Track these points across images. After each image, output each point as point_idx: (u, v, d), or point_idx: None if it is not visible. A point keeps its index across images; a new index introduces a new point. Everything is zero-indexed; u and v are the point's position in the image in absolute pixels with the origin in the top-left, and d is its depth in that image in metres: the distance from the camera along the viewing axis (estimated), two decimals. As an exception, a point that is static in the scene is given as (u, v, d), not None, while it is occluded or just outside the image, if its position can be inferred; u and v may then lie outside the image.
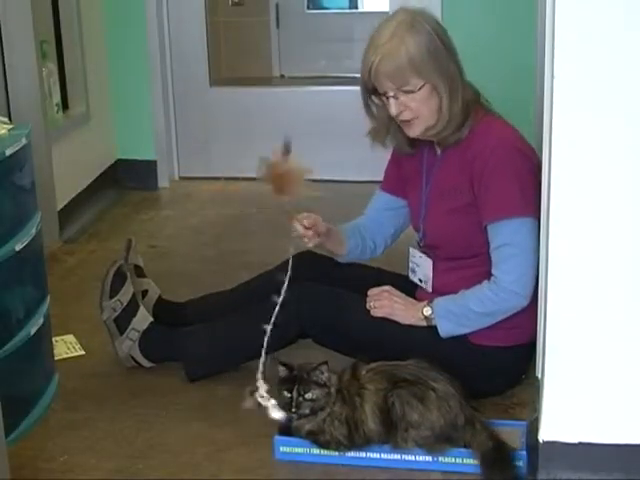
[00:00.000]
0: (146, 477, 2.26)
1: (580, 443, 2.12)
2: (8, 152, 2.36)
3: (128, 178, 4.68)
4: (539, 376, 2.29)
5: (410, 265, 2.63)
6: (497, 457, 2.15)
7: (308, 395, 2.21)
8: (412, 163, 2.57)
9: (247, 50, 5.87)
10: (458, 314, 2.40)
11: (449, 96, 2.32)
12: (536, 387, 2.35)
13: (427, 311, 2.42)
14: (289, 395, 2.21)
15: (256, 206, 4.35)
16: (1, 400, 1.96)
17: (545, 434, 2.13)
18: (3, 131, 2.48)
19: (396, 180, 2.63)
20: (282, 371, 2.25)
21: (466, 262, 2.47)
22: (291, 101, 4.75)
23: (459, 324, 2.40)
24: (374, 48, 2.31)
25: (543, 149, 2.14)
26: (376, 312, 2.48)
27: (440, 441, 2.20)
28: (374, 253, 2.70)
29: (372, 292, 2.52)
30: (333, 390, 2.23)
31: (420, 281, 2.60)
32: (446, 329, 2.41)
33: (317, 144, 4.38)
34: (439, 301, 2.43)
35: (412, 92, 2.31)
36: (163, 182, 4.73)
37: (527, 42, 3.91)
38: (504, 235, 2.34)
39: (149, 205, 4.45)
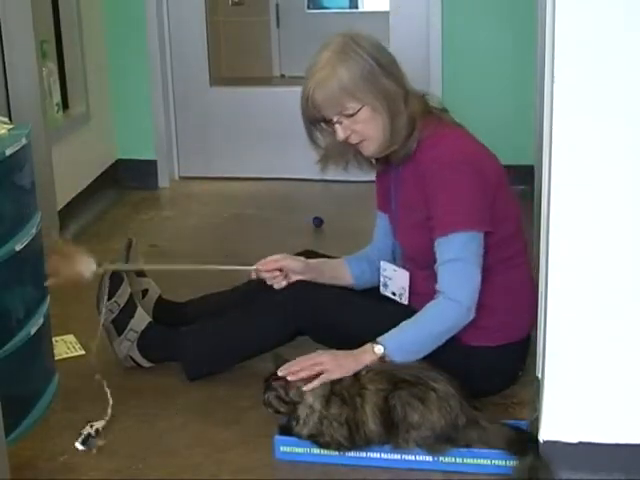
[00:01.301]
0: (146, 477, 2.26)
1: (580, 443, 2.12)
2: (8, 152, 2.36)
3: (128, 178, 4.68)
4: (539, 376, 2.29)
5: (382, 280, 2.61)
6: (521, 442, 2.16)
7: (266, 396, 2.25)
8: (385, 180, 2.59)
9: (247, 50, 5.88)
10: (411, 342, 2.33)
11: (389, 113, 2.34)
12: (536, 387, 2.36)
13: (379, 350, 2.29)
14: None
15: (256, 206, 4.36)
16: (1, 400, 1.96)
17: (545, 434, 2.14)
18: (3, 131, 2.48)
19: (383, 198, 2.64)
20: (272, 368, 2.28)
21: None
22: (291, 101, 4.71)
23: (413, 354, 2.32)
24: (308, 79, 2.38)
25: (543, 152, 2.15)
26: (307, 387, 2.25)
27: (441, 441, 2.20)
28: None
29: (283, 370, 2.27)
30: (309, 398, 2.23)
31: (393, 294, 2.59)
32: (401, 360, 2.31)
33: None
34: (391, 336, 2.33)
35: (352, 115, 2.34)
36: (163, 182, 4.73)
37: (527, 46, 3.92)
38: (452, 250, 2.32)
39: (149, 205, 4.45)
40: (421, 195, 2.39)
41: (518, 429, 2.23)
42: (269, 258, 2.60)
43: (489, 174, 2.37)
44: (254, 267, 2.59)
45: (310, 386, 2.24)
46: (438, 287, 2.34)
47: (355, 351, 2.31)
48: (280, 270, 2.58)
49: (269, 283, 2.57)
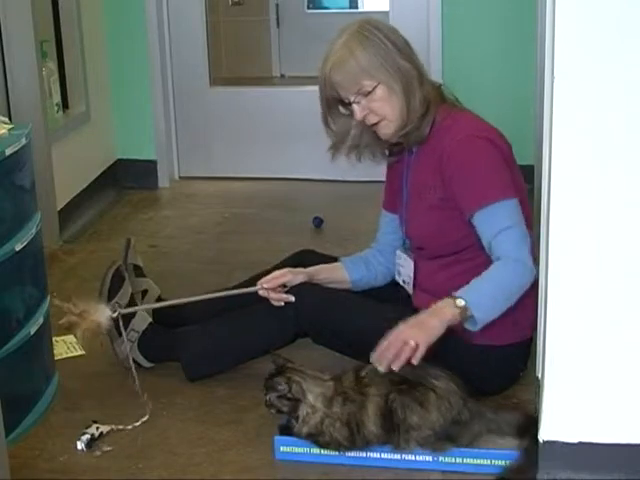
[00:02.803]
0: (146, 477, 2.26)
1: (580, 443, 2.12)
2: (8, 152, 2.36)
3: (128, 178, 4.68)
4: (539, 376, 2.29)
5: (396, 267, 2.65)
6: (531, 426, 2.19)
7: (268, 396, 2.24)
8: (396, 171, 2.61)
9: (247, 50, 5.88)
10: (489, 297, 2.30)
11: (404, 92, 2.39)
12: (536, 387, 2.35)
13: (460, 302, 2.24)
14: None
15: (256, 206, 4.36)
16: (1, 400, 1.96)
17: (545, 434, 2.13)
18: (3, 131, 2.48)
19: (392, 196, 2.65)
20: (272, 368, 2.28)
21: (453, 258, 2.48)
22: (291, 101, 4.76)
23: (493, 310, 2.30)
24: (325, 61, 2.42)
25: (543, 152, 2.14)
26: (415, 357, 2.18)
27: (441, 439, 2.20)
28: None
29: (376, 361, 2.21)
30: (310, 397, 2.22)
31: (404, 282, 2.61)
32: (480, 318, 2.27)
33: (317, 144, 4.38)
34: (467, 291, 2.28)
35: (370, 93, 2.38)
36: (163, 182, 4.73)
37: (527, 46, 3.92)
38: (499, 221, 2.34)
39: (149, 205, 4.45)
40: (437, 176, 2.41)
41: (526, 414, 2.26)
42: (271, 276, 2.60)
43: (504, 149, 2.42)
44: (258, 287, 2.59)
45: (417, 357, 2.16)
46: (497, 255, 2.33)
47: (433, 308, 2.25)
48: (284, 286, 2.58)
49: (275, 305, 2.56)
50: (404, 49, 2.42)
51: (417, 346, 2.17)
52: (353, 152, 2.53)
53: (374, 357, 2.19)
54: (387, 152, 2.57)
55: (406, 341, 2.18)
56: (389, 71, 2.38)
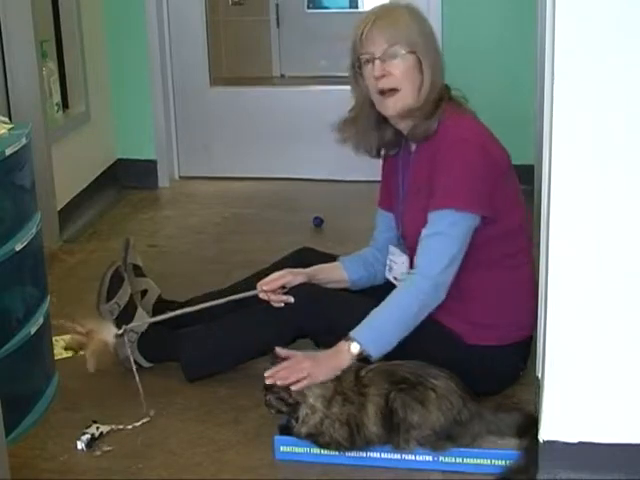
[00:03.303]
0: (146, 477, 2.26)
1: (580, 443, 2.12)
2: (8, 152, 2.36)
3: (128, 178, 4.68)
4: (539, 376, 2.29)
5: (388, 262, 2.63)
6: (531, 426, 2.19)
7: (268, 396, 2.25)
8: (392, 169, 2.60)
9: (247, 50, 5.88)
10: (384, 332, 2.31)
11: (430, 74, 2.39)
12: (536, 387, 2.35)
13: (355, 348, 2.27)
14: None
15: (256, 206, 4.36)
16: (1, 400, 1.96)
17: (545, 434, 2.13)
18: (3, 131, 2.48)
19: (388, 195, 2.64)
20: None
21: None
22: (291, 101, 4.76)
23: (389, 343, 2.31)
24: (369, 14, 2.41)
25: (543, 152, 2.14)
26: (294, 387, 2.23)
27: (442, 439, 2.20)
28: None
29: (270, 376, 2.26)
30: (310, 398, 2.23)
31: (395, 279, 2.59)
32: (375, 354, 2.30)
33: (317, 144, 4.39)
34: (362, 330, 2.31)
35: (398, 57, 2.36)
36: (163, 182, 4.73)
37: (527, 45, 3.92)
38: (437, 225, 2.33)
39: (149, 205, 4.45)
40: (430, 175, 2.40)
41: (526, 413, 2.27)
42: (270, 278, 2.59)
43: (497, 160, 2.40)
44: (258, 290, 2.59)
45: (296, 387, 2.22)
46: (416, 260, 2.35)
47: (330, 351, 2.29)
48: (283, 287, 2.58)
49: (276, 306, 2.56)
50: (437, 46, 2.45)
51: (308, 377, 2.23)
52: (356, 135, 2.50)
53: (269, 372, 2.25)
54: (385, 148, 2.55)
55: (301, 369, 2.24)
56: (426, 49, 2.38)
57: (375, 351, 2.29)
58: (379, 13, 2.40)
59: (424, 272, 2.33)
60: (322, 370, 2.26)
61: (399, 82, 2.38)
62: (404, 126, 2.47)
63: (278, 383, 2.23)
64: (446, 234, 2.32)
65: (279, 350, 2.31)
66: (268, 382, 2.24)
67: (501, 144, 2.46)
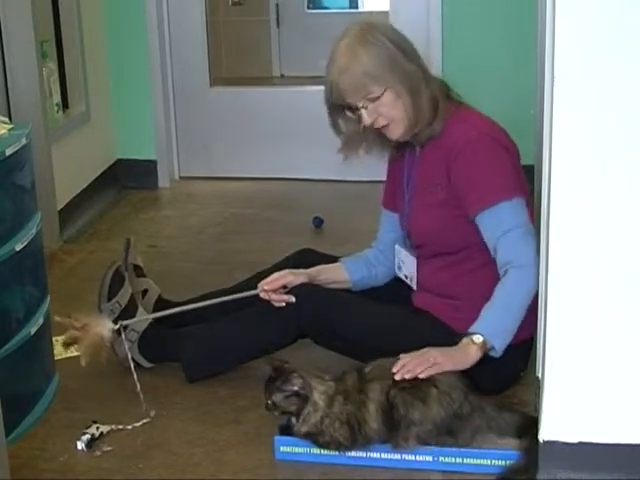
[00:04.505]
0: (146, 477, 2.26)
1: (580, 443, 2.12)
2: (8, 152, 2.36)
3: (128, 178, 4.68)
4: (539, 376, 2.29)
5: (397, 262, 2.65)
6: (531, 427, 2.20)
7: (273, 398, 2.23)
8: (398, 167, 2.61)
9: (247, 50, 5.89)
10: (504, 322, 2.35)
11: (411, 95, 2.39)
12: (536, 387, 2.35)
13: (478, 339, 2.30)
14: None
15: (256, 206, 4.36)
16: (1, 400, 1.96)
17: (545, 434, 2.13)
18: (3, 131, 2.48)
19: (392, 194, 2.65)
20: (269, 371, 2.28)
21: (453, 258, 2.49)
22: (291, 101, 4.76)
23: (509, 332, 2.35)
24: (331, 66, 2.41)
25: (543, 152, 2.14)
26: (422, 374, 2.24)
27: (442, 433, 2.20)
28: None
29: (397, 371, 2.25)
30: (314, 395, 2.23)
31: (406, 277, 2.62)
32: (500, 346, 2.34)
33: (317, 144, 4.39)
34: (480, 323, 2.33)
35: (378, 99, 2.38)
36: (163, 182, 4.73)
37: (528, 45, 3.90)
38: (504, 221, 2.35)
39: (149, 205, 4.45)
40: (444, 174, 2.42)
41: (527, 415, 2.28)
42: (271, 277, 2.59)
43: (509, 149, 2.44)
44: (259, 290, 2.59)
45: (424, 375, 2.21)
46: (502, 259, 2.36)
47: (459, 347, 2.30)
48: (284, 287, 2.58)
49: (276, 306, 2.56)
50: (408, 50, 2.42)
51: (435, 365, 2.23)
52: (363, 148, 2.53)
53: (396, 367, 2.22)
54: (394, 149, 2.57)
55: (428, 360, 2.24)
56: (395, 75, 2.37)
57: (498, 341, 2.31)
58: (337, 66, 2.38)
59: (518, 263, 2.34)
60: (450, 360, 2.26)
61: (388, 117, 2.41)
62: (409, 138, 2.49)
63: (407, 376, 2.21)
64: (515, 227, 2.34)
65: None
66: (397, 378, 2.21)
67: (508, 135, 2.49)
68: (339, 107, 2.45)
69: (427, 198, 2.48)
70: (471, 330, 2.31)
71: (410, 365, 2.23)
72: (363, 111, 2.40)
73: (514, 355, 2.49)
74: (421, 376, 2.21)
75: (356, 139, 2.50)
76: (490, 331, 2.31)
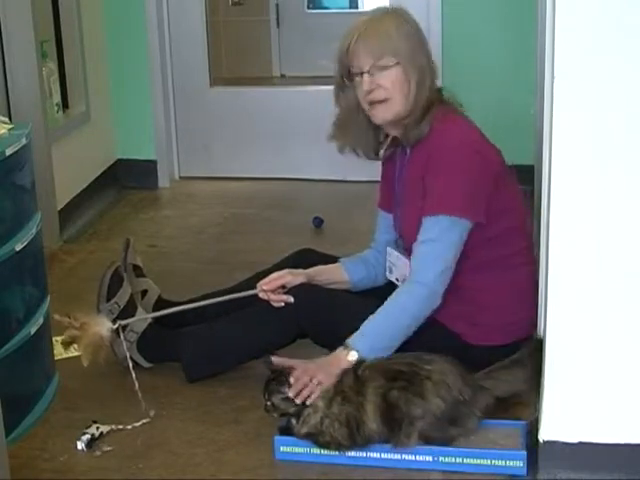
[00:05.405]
0: (146, 477, 2.26)
1: (580, 443, 2.12)
2: (8, 152, 2.36)
3: (128, 178, 4.68)
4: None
5: (387, 264, 2.64)
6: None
7: (272, 400, 2.24)
8: (390, 169, 2.60)
9: (247, 50, 5.88)
10: (381, 339, 2.34)
11: (417, 82, 2.39)
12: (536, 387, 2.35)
13: (353, 357, 2.29)
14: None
15: (256, 206, 4.36)
16: (1, 400, 1.96)
17: (545, 434, 2.14)
18: (3, 131, 2.48)
19: (387, 195, 2.65)
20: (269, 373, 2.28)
21: None
22: (291, 101, 4.75)
23: (387, 348, 2.34)
24: (353, 28, 2.42)
25: (543, 152, 2.14)
26: (310, 400, 2.26)
27: (445, 424, 2.20)
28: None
29: (295, 395, 2.27)
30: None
31: (397, 280, 2.60)
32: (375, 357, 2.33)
33: (317, 144, 4.38)
34: (356, 340, 2.32)
35: (386, 69, 2.38)
36: (163, 182, 4.73)
37: (527, 45, 3.91)
38: (431, 231, 2.35)
39: (149, 205, 4.45)
40: (423, 177, 2.41)
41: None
42: (270, 277, 2.59)
43: (490, 162, 2.40)
44: (258, 290, 2.59)
45: (311, 400, 2.23)
46: (414, 265, 2.36)
47: (330, 357, 2.32)
48: (283, 287, 2.58)
49: (275, 305, 2.56)
50: (426, 44, 2.45)
51: (319, 384, 2.25)
52: (351, 138, 2.52)
53: (292, 394, 2.24)
54: (381, 149, 2.56)
55: (312, 378, 2.25)
56: (413, 58, 2.39)
57: (373, 355, 2.30)
58: (364, 26, 2.40)
59: (419, 278, 2.35)
60: (328, 374, 2.27)
61: (389, 93, 2.40)
62: (395, 132, 2.49)
63: (297, 401, 2.23)
64: (440, 240, 2.34)
65: (276, 360, 2.30)
66: (298, 401, 2.24)
67: (493, 144, 2.46)
68: (346, 72, 2.43)
69: (416, 201, 2.46)
70: (349, 342, 2.31)
71: (300, 386, 2.24)
72: (366, 76, 2.39)
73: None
74: (309, 402, 2.23)
75: (347, 121, 2.49)
76: (367, 347, 2.30)
